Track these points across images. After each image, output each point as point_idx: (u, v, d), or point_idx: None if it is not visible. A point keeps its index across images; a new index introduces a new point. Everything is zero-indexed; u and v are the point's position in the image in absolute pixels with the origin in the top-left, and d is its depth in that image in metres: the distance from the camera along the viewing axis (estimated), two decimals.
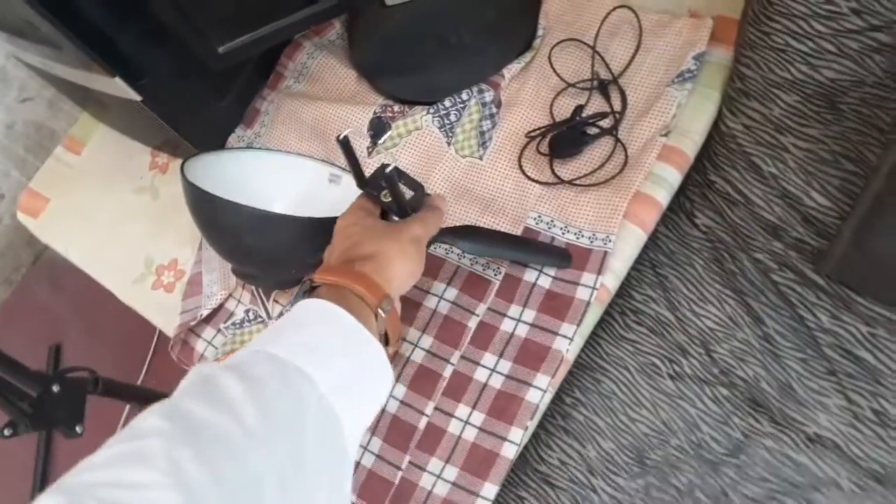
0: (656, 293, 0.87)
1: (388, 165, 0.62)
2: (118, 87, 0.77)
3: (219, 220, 0.75)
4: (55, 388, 0.79)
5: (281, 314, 0.85)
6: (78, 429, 0.81)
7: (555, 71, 0.86)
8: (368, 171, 0.68)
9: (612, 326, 0.87)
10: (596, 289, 0.75)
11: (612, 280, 0.77)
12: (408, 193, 0.68)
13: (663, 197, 0.78)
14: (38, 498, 0.33)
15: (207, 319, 0.87)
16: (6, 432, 0.76)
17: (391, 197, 0.65)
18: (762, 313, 0.82)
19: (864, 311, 0.78)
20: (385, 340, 0.55)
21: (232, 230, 0.75)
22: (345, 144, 0.63)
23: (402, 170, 0.67)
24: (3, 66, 1.36)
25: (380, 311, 0.52)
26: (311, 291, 0.53)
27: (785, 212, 0.79)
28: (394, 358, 0.54)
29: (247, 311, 0.87)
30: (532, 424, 0.73)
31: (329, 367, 0.45)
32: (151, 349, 1.50)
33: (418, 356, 0.77)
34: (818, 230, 0.77)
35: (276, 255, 0.78)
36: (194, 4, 0.71)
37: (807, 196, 0.77)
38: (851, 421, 0.78)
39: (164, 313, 0.90)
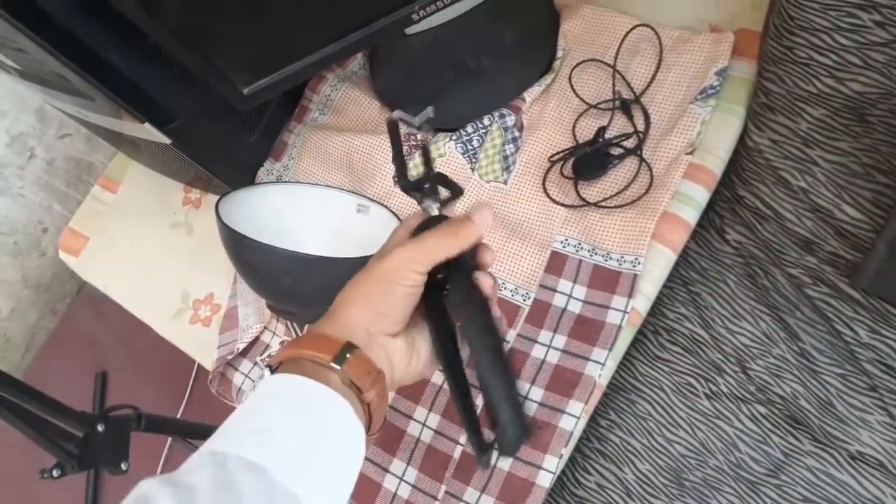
0: (689, 311, 0.86)
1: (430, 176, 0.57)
2: (148, 132, 0.79)
3: (255, 262, 0.76)
4: (100, 428, 0.82)
5: None
6: (123, 466, 0.84)
7: (575, 92, 0.85)
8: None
9: (645, 346, 0.87)
10: (627, 312, 0.74)
11: (642, 303, 0.76)
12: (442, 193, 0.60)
13: (691, 216, 0.78)
14: None
15: (244, 352, 0.89)
16: (55, 473, 0.78)
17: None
18: (798, 329, 0.81)
19: None
20: (359, 389, 0.49)
21: (268, 271, 0.76)
22: (392, 127, 0.57)
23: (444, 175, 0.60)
24: (42, 105, 1.40)
25: (332, 364, 0.48)
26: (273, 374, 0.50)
27: (817, 226, 0.78)
28: (382, 401, 0.50)
29: (282, 343, 0.88)
30: (567, 452, 0.73)
31: (281, 447, 0.44)
32: (192, 375, 1.53)
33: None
34: (852, 243, 0.76)
35: (312, 295, 0.79)
36: (217, 48, 0.72)
37: (838, 209, 0.75)
38: (895, 437, 0.76)
39: (202, 347, 0.92)
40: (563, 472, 0.86)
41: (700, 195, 0.78)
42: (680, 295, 0.87)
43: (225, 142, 0.91)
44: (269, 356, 0.88)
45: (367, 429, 0.49)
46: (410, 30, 0.89)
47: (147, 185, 1.04)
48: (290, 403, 0.46)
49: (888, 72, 0.67)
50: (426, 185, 0.58)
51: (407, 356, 0.53)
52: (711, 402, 0.83)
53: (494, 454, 0.52)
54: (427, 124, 0.58)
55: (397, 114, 0.56)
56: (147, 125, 0.77)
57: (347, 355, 0.48)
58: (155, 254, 0.99)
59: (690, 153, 0.78)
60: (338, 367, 0.47)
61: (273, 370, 0.50)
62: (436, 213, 0.58)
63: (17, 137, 1.42)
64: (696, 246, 0.88)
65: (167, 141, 0.81)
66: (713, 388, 0.83)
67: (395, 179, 0.59)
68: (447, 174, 0.62)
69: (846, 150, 0.73)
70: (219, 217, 0.76)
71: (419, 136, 0.90)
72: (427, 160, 0.60)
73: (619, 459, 0.84)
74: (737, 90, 0.80)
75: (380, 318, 0.51)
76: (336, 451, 0.47)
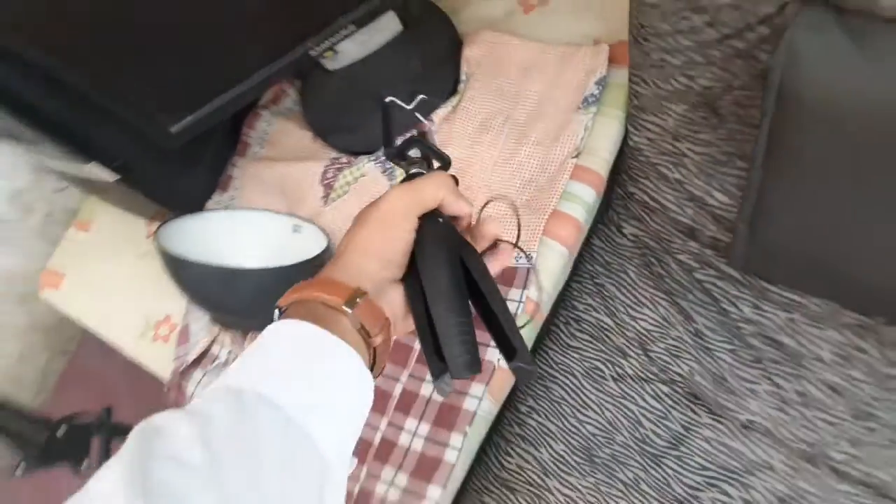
0: (596, 302, 0.93)
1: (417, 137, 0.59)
2: (96, 172, 0.89)
3: (188, 278, 0.86)
4: (60, 433, 0.91)
5: None
6: (84, 465, 0.93)
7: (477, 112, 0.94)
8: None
9: (557, 336, 0.94)
10: (522, 302, 0.82)
11: (536, 293, 0.84)
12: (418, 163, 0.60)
13: (580, 214, 0.85)
14: None
15: (196, 364, 0.98)
16: (18, 473, 0.88)
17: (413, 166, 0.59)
18: (691, 311, 0.87)
19: (779, 299, 0.82)
20: (367, 333, 0.50)
21: (201, 286, 0.85)
22: (385, 108, 0.60)
23: (427, 138, 0.61)
24: (41, 160, 1.53)
25: (344, 308, 0.48)
26: (282, 315, 0.50)
27: (696, 213, 0.85)
28: (387, 346, 0.52)
29: (229, 353, 0.97)
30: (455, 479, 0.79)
31: (295, 387, 0.45)
32: None
33: None
34: (726, 227, 0.82)
35: (244, 304, 0.88)
36: (138, 92, 0.82)
37: (710, 196, 0.82)
38: (779, 405, 0.81)
39: (162, 364, 1.01)
40: (487, 455, 0.92)
41: (587, 194, 0.85)
42: (587, 287, 0.94)
43: (171, 176, 1.01)
44: (216, 366, 0.96)
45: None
46: (332, 66, 0.99)
47: (115, 223, 1.15)
48: (304, 349, 0.47)
49: (725, 66, 0.74)
50: (411, 155, 0.59)
51: (404, 306, 0.54)
52: (618, 384, 0.89)
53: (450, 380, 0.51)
54: (419, 108, 0.62)
55: (390, 99, 0.61)
56: (93, 165, 0.88)
57: (358, 300, 0.49)
58: (123, 283, 1.09)
59: (576, 157, 0.85)
60: (349, 311, 0.48)
61: (282, 312, 0.51)
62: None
63: (17, 194, 1.55)
64: (600, 242, 0.95)
65: (113, 178, 0.91)
66: (619, 370, 0.89)
67: (384, 150, 0.61)
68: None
69: (709, 140, 0.80)
70: (157, 241, 0.86)
71: (342, 160, 0.99)
72: (421, 141, 0.60)
73: (536, 441, 0.90)
74: (616, 96, 0.88)
75: (386, 264, 0.53)
76: (347, 396, 0.48)
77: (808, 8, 0.63)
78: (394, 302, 0.53)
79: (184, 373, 0.98)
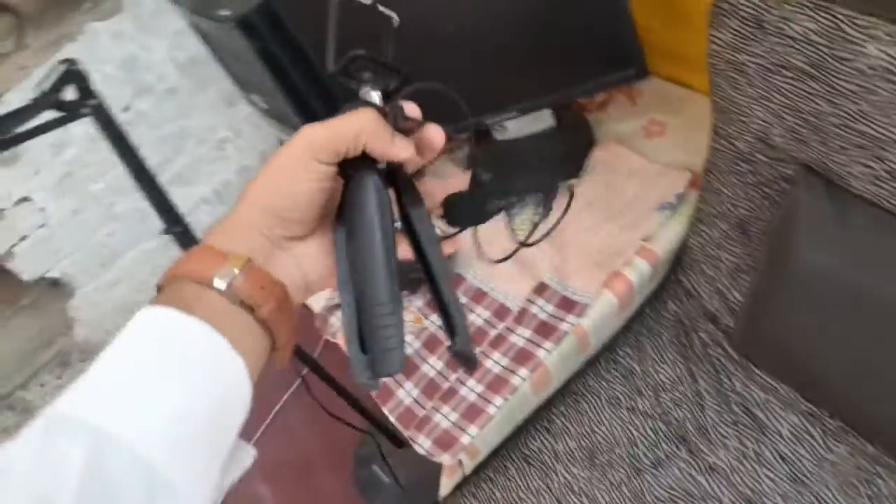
0: (632, 352, 1.23)
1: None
2: None
3: None
4: None
5: None
6: None
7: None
8: None
9: (597, 368, 1.24)
10: (573, 324, 1.14)
11: (587, 322, 1.15)
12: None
13: (634, 277, 1.17)
14: None
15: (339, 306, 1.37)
16: None
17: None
18: (698, 376, 1.16)
19: (761, 381, 1.09)
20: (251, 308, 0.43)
21: None
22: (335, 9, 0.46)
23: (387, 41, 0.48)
24: (265, 149, 2.04)
25: (215, 284, 0.42)
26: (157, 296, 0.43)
27: (719, 304, 1.14)
28: (283, 315, 0.45)
29: None
30: (508, 398, 1.12)
31: (138, 404, 0.38)
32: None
33: None
34: (737, 320, 1.11)
35: None
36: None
37: (730, 293, 1.12)
38: (740, 458, 1.07)
39: (313, 298, 1.41)
40: (519, 437, 1.23)
41: (644, 266, 1.17)
42: (630, 341, 1.25)
43: None
44: None
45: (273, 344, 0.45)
46: (499, 136, 1.39)
47: None
48: (157, 347, 0.40)
49: (757, 203, 1.05)
50: (359, 69, 0.47)
51: (328, 258, 0.48)
52: (629, 413, 1.18)
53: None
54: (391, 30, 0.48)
55: None
56: None
57: (235, 270, 0.42)
58: None
59: (645, 240, 1.18)
60: (221, 289, 0.42)
61: (159, 290, 0.44)
62: (376, 101, 0.48)
63: (245, 168, 2.07)
64: (650, 311, 1.26)
65: None
66: (633, 404, 1.18)
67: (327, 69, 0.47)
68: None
69: (738, 253, 1.10)
70: None
71: None
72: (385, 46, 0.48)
73: (556, 435, 1.20)
74: (688, 208, 1.20)
75: (279, 220, 0.45)
76: (205, 405, 0.40)
77: (810, 175, 0.94)
78: (305, 258, 0.47)
79: (330, 309, 1.37)
